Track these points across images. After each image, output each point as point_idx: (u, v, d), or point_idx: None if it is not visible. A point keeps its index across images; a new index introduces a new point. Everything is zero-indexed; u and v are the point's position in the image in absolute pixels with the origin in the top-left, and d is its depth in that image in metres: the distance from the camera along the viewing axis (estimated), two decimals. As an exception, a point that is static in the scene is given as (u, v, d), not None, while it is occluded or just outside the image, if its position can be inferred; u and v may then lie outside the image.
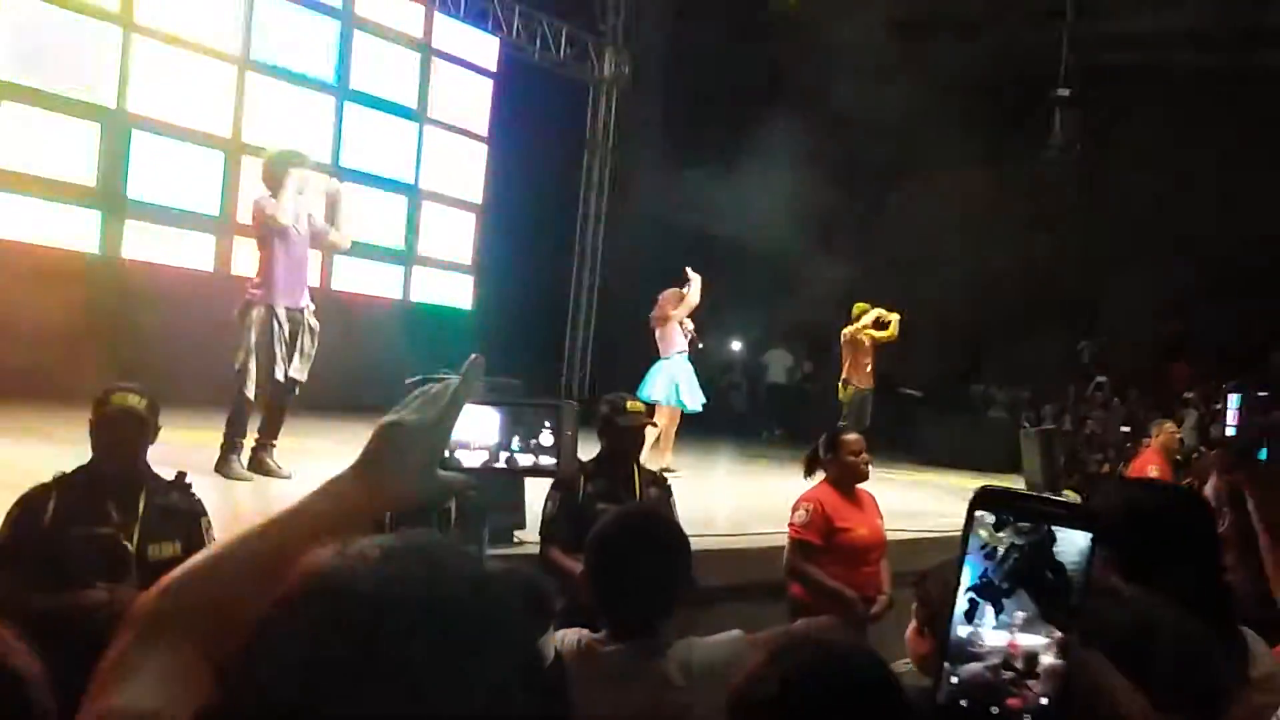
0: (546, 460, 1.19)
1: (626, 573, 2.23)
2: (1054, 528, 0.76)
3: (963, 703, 0.74)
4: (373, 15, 10.64)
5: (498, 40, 11.71)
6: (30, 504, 3.23)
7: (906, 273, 14.05)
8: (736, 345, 16.11)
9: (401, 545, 0.74)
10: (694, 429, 10.06)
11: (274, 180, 6.18)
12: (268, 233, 6.09)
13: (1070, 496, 9.89)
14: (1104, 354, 14.28)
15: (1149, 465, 7.84)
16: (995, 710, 0.74)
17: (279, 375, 6.03)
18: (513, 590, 0.78)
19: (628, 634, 2.22)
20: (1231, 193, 13.53)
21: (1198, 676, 1.03)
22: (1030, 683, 0.74)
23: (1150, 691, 0.96)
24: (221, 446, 5.95)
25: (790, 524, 4.65)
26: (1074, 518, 0.77)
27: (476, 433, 1.16)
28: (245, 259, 8.51)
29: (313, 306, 6.28)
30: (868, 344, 9.95)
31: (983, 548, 0.77)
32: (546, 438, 1.19)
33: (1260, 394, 2.02)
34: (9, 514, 3.24)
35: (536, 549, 4.38)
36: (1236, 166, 13.34)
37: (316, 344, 6.26)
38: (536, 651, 0.77)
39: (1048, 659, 0.74)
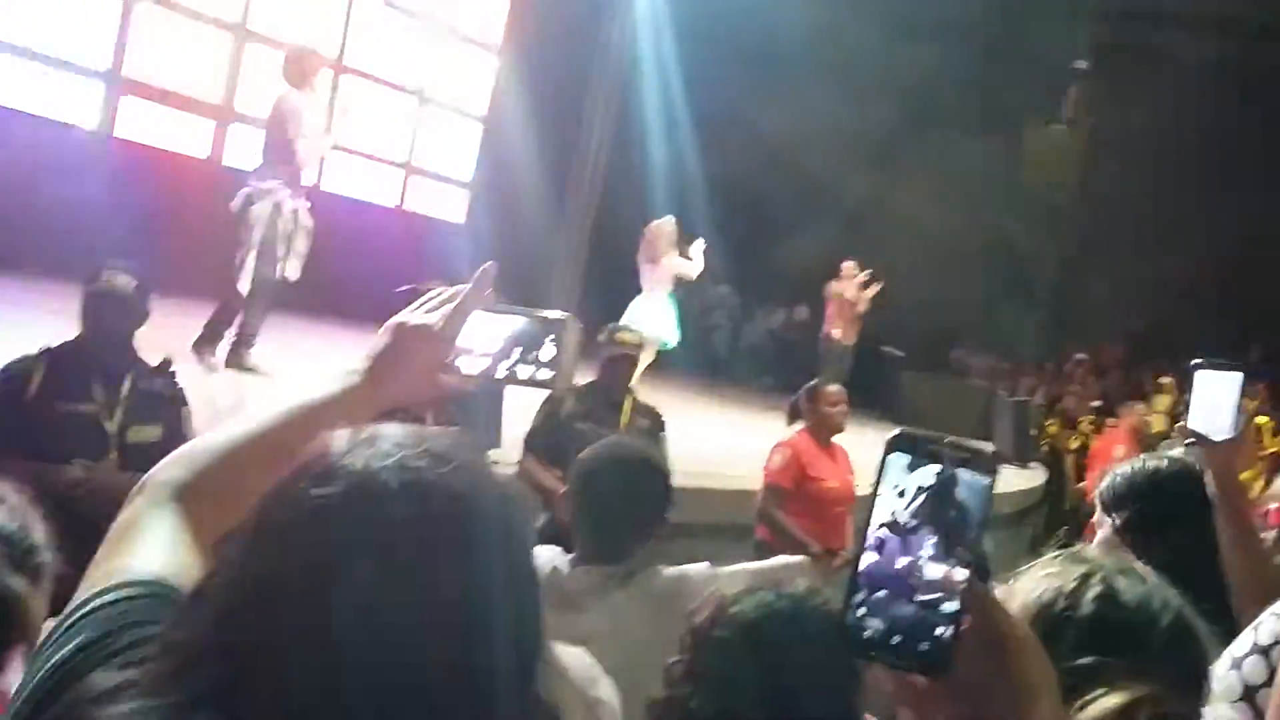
0: (545, 374, 1.19)
1: (604, 500, 2.28)
2: (959, 470, 0.80)
3: (865, 631, 0.79)
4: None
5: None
6: (14, 375, 3.23)
7: (903, 230, 14.05)
8: (724, 288, 16.07)
9: (414, 433, 0.77)
10: (673, 365, 10.10)
11: (301, 77, 6.14)
12: (285, 131, 6.03)
13: (1038, 467, 10.07)
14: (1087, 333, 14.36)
15: (1115, 445, 7.95)
16: (898, 639, 0.79)
17: (277, 274, 5.99)
18: (510, 496, 0.80)
19: (597, 558, 2.27)
20: (1228, 184, 13.55)
21: (1191, 658, 1.10)
22: (930, 614, 0.79)
23: (1147, 665, 1.04)
24: (203, 335, 5.93)
25: (765, 468, 4.74)
26: (978, 461, 0.81)
27: (480, 341, 1.17)
28: (241, 149, 8.43)
29: (308, 205, 6.22)
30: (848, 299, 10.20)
31: (895, 487, 0.80)
32: (548, 351, 1.19)
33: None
34: (-7, 381, 3.25)
35: (511, 469, 4.45)
36: (1237, 158, 13.33)
37: (308, 243, 6.22)
38: (530, 557, 0.80)
39: (947, 594, 0.79)
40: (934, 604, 0.79)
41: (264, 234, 5.98)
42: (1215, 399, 2.01)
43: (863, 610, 0.80)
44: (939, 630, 0.78)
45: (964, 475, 0.81)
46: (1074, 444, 10.10)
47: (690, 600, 2.25)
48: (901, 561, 0.80)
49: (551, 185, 12.14)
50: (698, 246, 8.48)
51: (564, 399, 4.32)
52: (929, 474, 0.81)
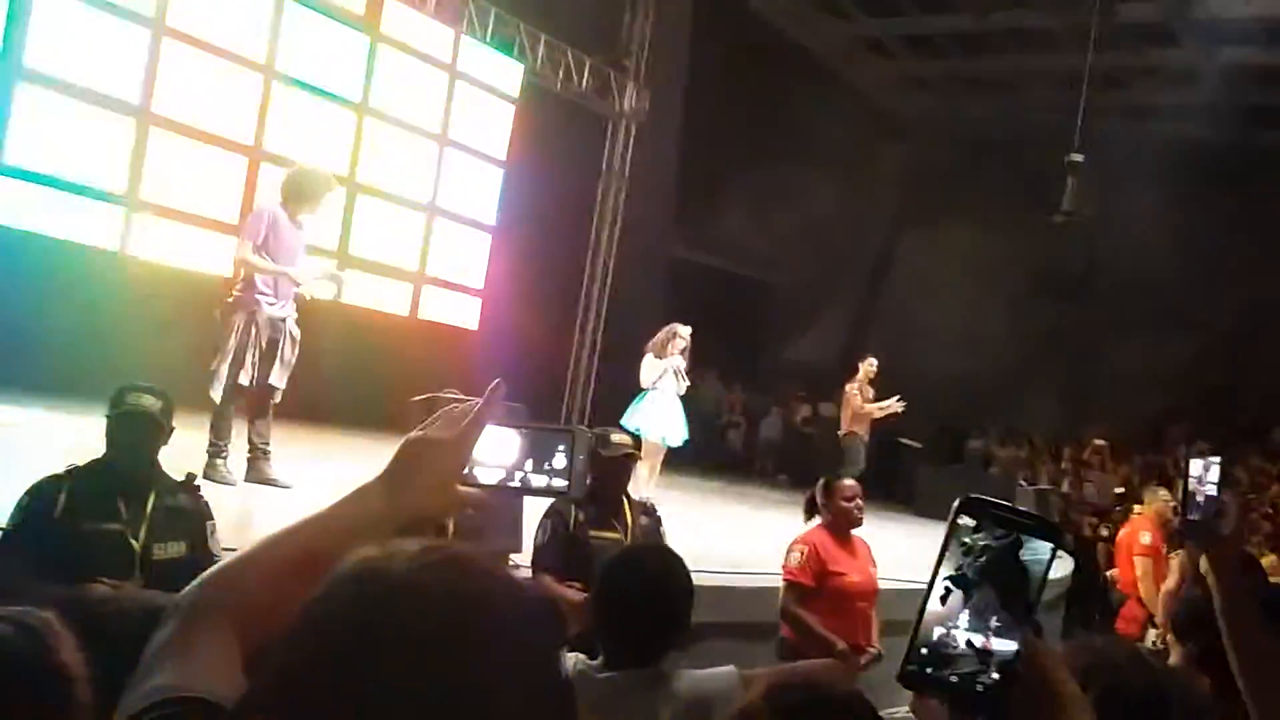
0: (559, 482, 1.24)
1: (633, 605, 2.28)
2: (1022, 535, 0.89)
3: (927, 670, 0.87)
4: (400, 34, 10.77)
5: (521, 68, 11.85)
6: (41, 494, 3.27)
7: (912, 323, 14.14)
8: (733, 386, 16.15)
9: (436, 546, 0.80)
10: (689, 465, 10.10)
11: (298, 197, 6.25)
12: (260, 245, 6.07)
13: (1063, 557, 9.95)
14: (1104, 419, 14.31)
15: (1140, 531, 7.86)
16: (954, 679, 0.86)
17: (244, 381, 5.97)
18: (538, 603, 0.84)
19: (624, 663, 2.27)
20: (1233, 266, 13.65)
21: None
22: (986, 662, 0.87)
23: None
24: (207, 451, 5.95)
25: (784, 566, 4.71)
26: (1040, 529, 0.90)
27: (494, 453, 1.22)
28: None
29: (295, 315, 6.25)
30: (860, 402, 10.28)
31: (961, 545, 0.89)
32: (560, 460, 1.24)
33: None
34: (20, 502, 3.28)
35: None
36: (1239, 241, 13.46)
37: (296, 352, 6.22)
38: (558, 663, 0.83)
39: (1003, 644, 0.87)
40: (991, 652, 0.86)
41: (238, 342, 6.00)
42: (1205, 488, 1.92)
43: (925, 650, 0.87)
44: (994, 676, 0.86)
45: (1029, 540, 0.88)
46: (1104, 531, 9.99)
47: (718, 703, 2.25)
48: (964, 611, 0.87)
49: (562, 291, 12.32)
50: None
51: (565, 511, 4.24)
52: (994, 536, 0.89)
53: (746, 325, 14.77)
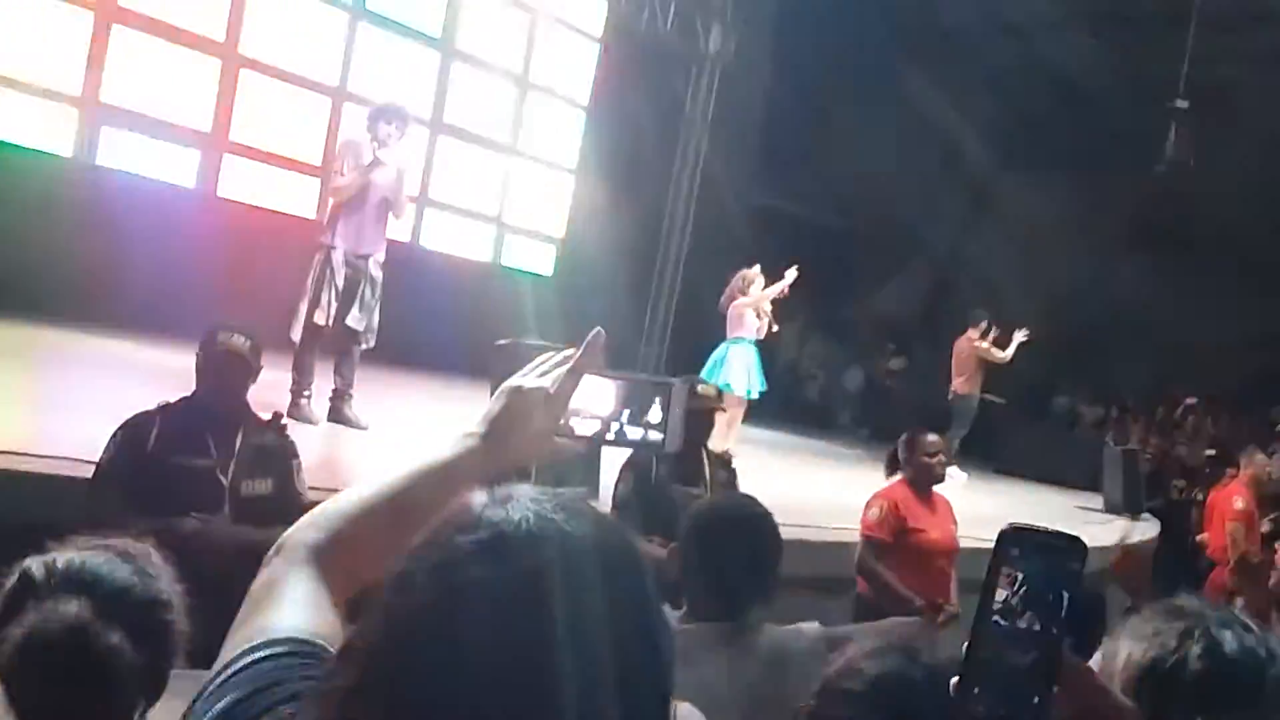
0: (655, 435, 1.23)
1: (719, 556, 2.26)
2: (1055, 558, 0.93)
3: (975, 690, 0.91)
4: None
5: (605, 5, 11.69)
6: (134, 429, 3.34)
7: (1001, 275, 13.82)
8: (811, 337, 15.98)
9: (545, 490, 0.80)
10: (765, 417, 10.03)
11: (370, 131, 6.23)
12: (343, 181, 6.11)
13: (1149, 520, 9.70)
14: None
15: (1234, 496, 7.63)
16: (1003, 711, 0.91)
17: (320, 321, 6.02)
18: (644, 551, 0.82)
19: (709, 615, 2.25)
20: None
21: None
22: (1028, 687, 0.91)
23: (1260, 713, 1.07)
24: (290, 390, 6.02)
25: (862, 521, 4.66)
26: (1071, 549, 0.94)
27: (591, 403, 1.19)
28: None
29: (380, 258, 6.24)
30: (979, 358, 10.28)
31: (1006, 575, 0.93)
32: (656, 413, 1.22)
33: None
34: (115, 436, 3.36)
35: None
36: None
37: (378, 295, 6.21)
38: (659, 606, 0.81)
39: (1043, 668, 0.91)
40: (1031, 677, 0.91)
41: (314, 282, 6.05)
42: None
43: (976, 688, 0.91)
44: (1035, 699, 0.90)
45: (1059, 562, 0.93)
46: (1197, 495, 9.75)
47: (801, 659, 2.22)
48: (1008, 640, 0.91)
49: (641, 238, 12.25)
50: (790, 274, 8.56)
51: (646, 464, 4.21)
52: (1034, 562, 0.92)
53: (827, 275, 14.54)
